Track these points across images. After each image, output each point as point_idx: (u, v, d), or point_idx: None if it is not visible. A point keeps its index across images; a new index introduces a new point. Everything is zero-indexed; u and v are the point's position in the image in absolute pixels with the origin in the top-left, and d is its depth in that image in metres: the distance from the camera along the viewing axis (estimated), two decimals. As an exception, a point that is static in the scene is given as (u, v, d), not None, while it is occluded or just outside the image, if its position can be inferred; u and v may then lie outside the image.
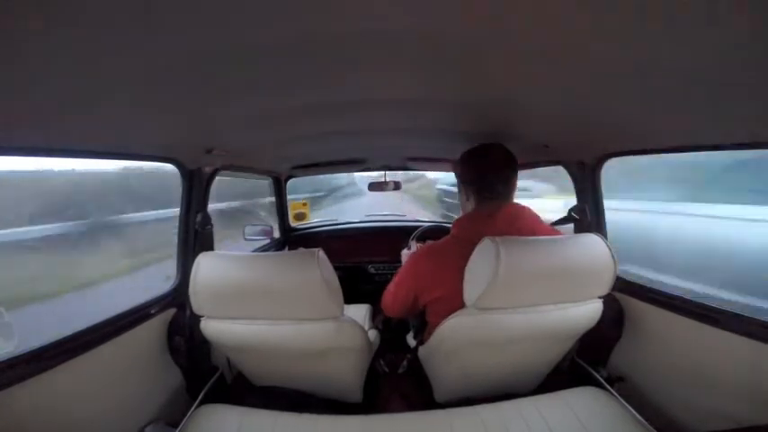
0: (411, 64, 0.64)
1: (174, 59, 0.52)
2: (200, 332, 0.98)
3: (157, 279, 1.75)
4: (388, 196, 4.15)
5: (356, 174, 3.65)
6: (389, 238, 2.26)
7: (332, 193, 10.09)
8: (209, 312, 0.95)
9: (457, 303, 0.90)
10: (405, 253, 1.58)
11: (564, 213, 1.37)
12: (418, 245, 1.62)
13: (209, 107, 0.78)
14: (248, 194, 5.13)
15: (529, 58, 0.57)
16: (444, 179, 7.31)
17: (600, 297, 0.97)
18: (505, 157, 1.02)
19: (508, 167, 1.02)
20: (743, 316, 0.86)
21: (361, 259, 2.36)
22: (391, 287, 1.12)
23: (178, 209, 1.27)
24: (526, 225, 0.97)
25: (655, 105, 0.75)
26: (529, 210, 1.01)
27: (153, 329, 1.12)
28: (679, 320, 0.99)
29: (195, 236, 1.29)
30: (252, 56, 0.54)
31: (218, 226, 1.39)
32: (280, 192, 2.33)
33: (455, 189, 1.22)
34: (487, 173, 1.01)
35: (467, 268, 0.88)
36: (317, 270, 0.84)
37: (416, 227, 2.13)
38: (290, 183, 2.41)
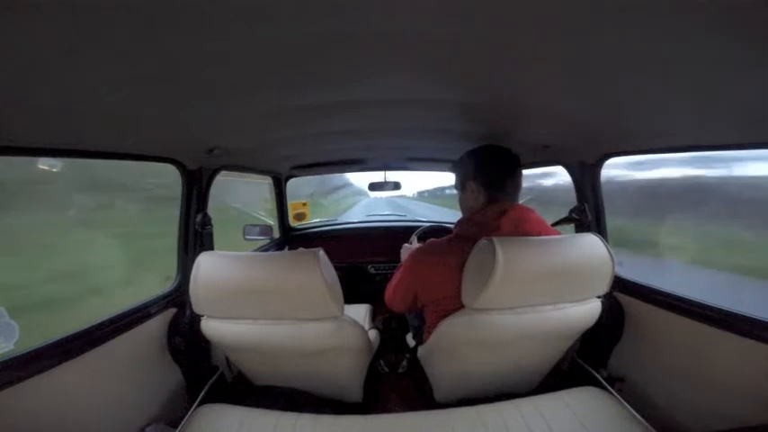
0: (411, 64, 0.63)
1: (174, 60, 0.52)
2: (200, 332, 0.98)
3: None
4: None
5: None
6: (389, 238, 2.26)
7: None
8: (210, 312, 0.95)
9: (457, 304, 0.90)
10: (406, 247, 1.57)
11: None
12: (419, 243, 1.62)
13: (210, 107, 0.78)
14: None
15: (529, 58, 0.57)
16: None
17: (598, 297, 0.97)
18: (514, 159, 1.03)
19: (516, 169, 1.02)
20: (743, 316, 0.85)
21: (361, 259, 2.36)
22: (393, 282, 1.12)
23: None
24: (533, 228, 0.95)
25: (654, 105, 0.75)
26: (534, 212, 1.00)
27: (153, 329, 1.12)
28: (679, 320, 0.99)
29: (195, 236, 1.29)
30: (252, 57, 0.54)
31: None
32: (280, 191, 2.33)
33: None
34: (500, 170, 1.01)
35: (465, 269, 0.87)
36: (317, 270, 0.84)
37: (417, 227, 2.14)
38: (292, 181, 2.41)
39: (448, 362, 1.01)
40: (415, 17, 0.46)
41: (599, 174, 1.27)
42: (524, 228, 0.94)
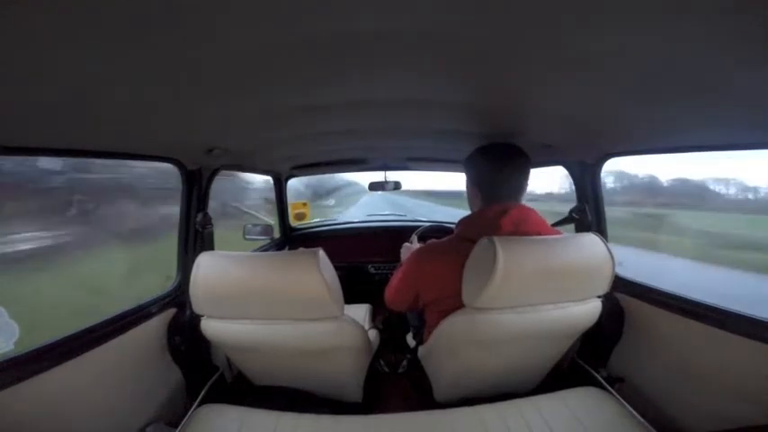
0: (412, 64, 0.63)
1: (173, 60, 0.52)
2: (200, 332, 0.98)
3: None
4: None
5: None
6: (389, 238, 2.26)
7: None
8: (210, 312, 0.95)
9: (457, 303, 0.90)
10: (406, 246, 1.57)
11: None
12: (419, 243, 1.62)
13: (210, 107, 0.78)
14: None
15: (530, 59, 0.57)
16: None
17: (598, 297, 0.97)
18: (515, 158, 1.00)
19: (517, 168, 0.99)
20: (743, 316, 0.85)
21: (361, 259, 2.36)
22: (394, 282, 1.12)
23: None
24: (532, 229, 0.95)
25: (655, 106, 0.75)
26: (535, 213, 0.99)
27: (153, 329, 1.12)
28: (680, 321, 0.99)
29: (196, 236, 1.29)
30: (251, 56, 0.54)
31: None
32: (280, 191, 2.33)
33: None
34: (494, 174, 0.99)
35: (465, 268, 0.87)
36: (317, 270, 0.84)
37: (417, 226, 2.14)
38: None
39: (448, 361, 1.01)
40: (416, 17, 0.46)
41: (599, 174, 1.27)
42: (524, 228, 0.94)
